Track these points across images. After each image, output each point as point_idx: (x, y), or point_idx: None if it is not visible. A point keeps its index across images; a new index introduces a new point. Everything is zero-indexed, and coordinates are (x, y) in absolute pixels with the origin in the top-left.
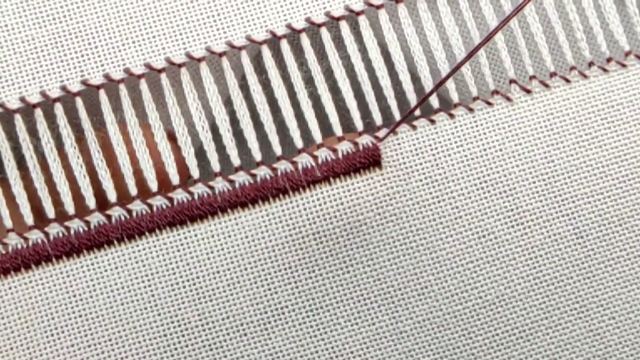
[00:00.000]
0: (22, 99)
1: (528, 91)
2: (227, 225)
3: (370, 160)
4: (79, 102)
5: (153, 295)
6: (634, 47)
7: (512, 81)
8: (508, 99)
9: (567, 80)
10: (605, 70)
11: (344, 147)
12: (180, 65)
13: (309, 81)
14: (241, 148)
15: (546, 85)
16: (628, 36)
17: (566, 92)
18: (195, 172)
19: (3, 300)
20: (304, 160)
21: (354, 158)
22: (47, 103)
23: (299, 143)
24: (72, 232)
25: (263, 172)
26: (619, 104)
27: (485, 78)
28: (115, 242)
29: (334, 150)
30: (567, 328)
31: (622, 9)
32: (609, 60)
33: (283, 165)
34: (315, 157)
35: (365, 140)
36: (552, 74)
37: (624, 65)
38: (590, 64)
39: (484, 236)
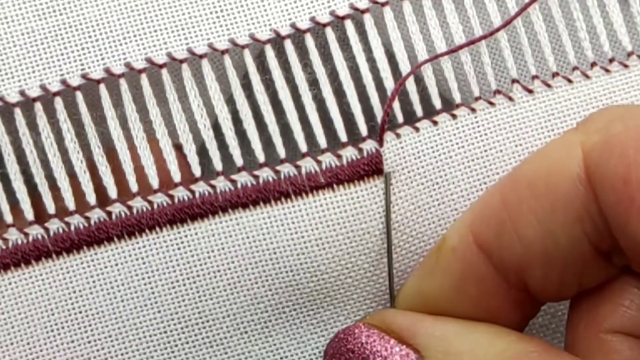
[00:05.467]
0: (22, 93)
1: (530, 91)
2: (228, 225)
3: (374, 168)
4: (79, 96)
5: (153, 293)
6: (636, 48)
7: (514, 81)
8: (510, 98)
9: (570, 81)
10: (607, 70)
11: (349, 153)
12: (181, 61)
13: (313, 83)
14: (244, 148)
15: (548, 85)
16: (630, 36)
17: (568, 92)
18: (197, 170)
19: (3, 295)
20: (308, 165)
21: (358, 165)
22: (47, 97)
23: (303, 147)
24: (72, 228)
25: (266, 174)
26: (620, 104)
27: (487, 77)
28: (116, 238)
29: (338, 156)
30: None
31: (626, 8)
32: (611, 60)
33: (286, 169)
34: (319, 163)
35: (370, 145)
36: (555, 74)
37: (626, 66)
38: (593, 65)
39: None
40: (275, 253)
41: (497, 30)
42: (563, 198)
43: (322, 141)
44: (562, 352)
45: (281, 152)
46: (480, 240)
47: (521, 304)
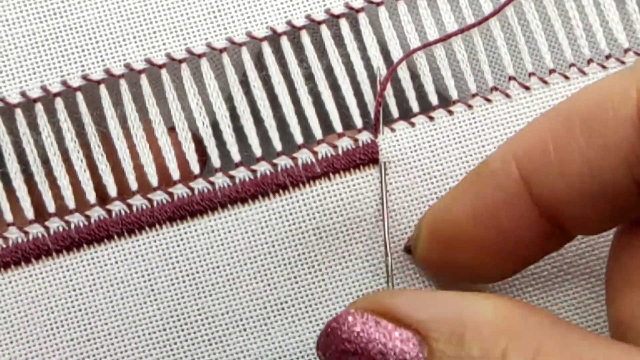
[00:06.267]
0: (23, 94)
1: (527, 88)
2: (227, 220)
3: (369, 157)
4: (79, 96)
5: (153, 290)
6: (632, 45)
7: (511, 78)
8: (507, 95)
9: (566, 77)
10: (604, 67)
11: (344, 143)
12: (180, 61)
13: (309, 78)
14: (241, 144)
15: (545, 82)
16: (627, 33)
17: (565, 89)
18: (195, 168)
19: (3, 294)
20: (304, 156)
21: (354, 154)
22: (47, 98)
23: (299, 139)
24: (72, 226)
25: (263, 167)
26: None
27: (484, 74)
28: (116, 236)
29: (334, 147)
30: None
31: (622, 6)
32: (607, 57)
33: (283, 161)
34: (315, 153)
35: (365, 137)
36: (551, 71)
37: (622, 62)
38: (589, 61)
39: None
40: (273, 246)
41: (488, 18)
42: (614, 139)
43: (318, 133)
44: (571, 325)
45: (278, 145)
46: (521, 169)
47: (548, 236)
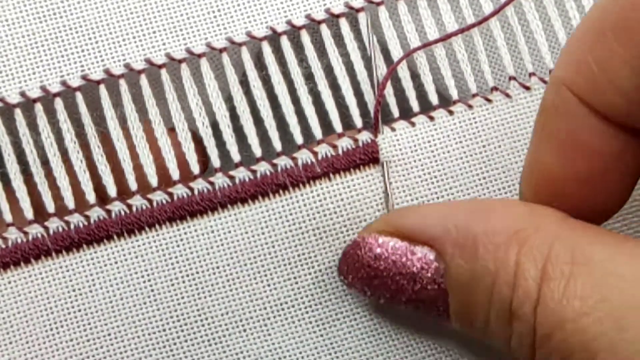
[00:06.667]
0: (23, 94)
1: (527, 88)
2: (227, 220)
3: (369, 157)
4: (79, 97)
5: (152, 290)
6: None
7: (511, 78)
8: (507, 95)
9: None
10: None
11: (344, 143)
12: (180, 61)
13: (309, 77)
14: (241, 144)
15: (545, 82)
16: None
17: None
18: (195, 168)
19: (3, 294)
20: (304, 156)
21: (354, 154)
22: (47, 98)
23: (299, 139)
24: (72, 226)
25: (263, 168)
26: None
27: (484, 74)
28: (115, 237)
29: (334, 147)
30: None
31: None
32: None
33: (283, 161)
34: (315, 153)
35: (365, 136)
36: (551, 71)
37: None
38: None
39: None
40: (273, 246)
41: (488, 18)
42: None
43: (317, 133)
44: (579, 222)
45: (277, 145)
46: (575, 92)
47: (633, 146)
